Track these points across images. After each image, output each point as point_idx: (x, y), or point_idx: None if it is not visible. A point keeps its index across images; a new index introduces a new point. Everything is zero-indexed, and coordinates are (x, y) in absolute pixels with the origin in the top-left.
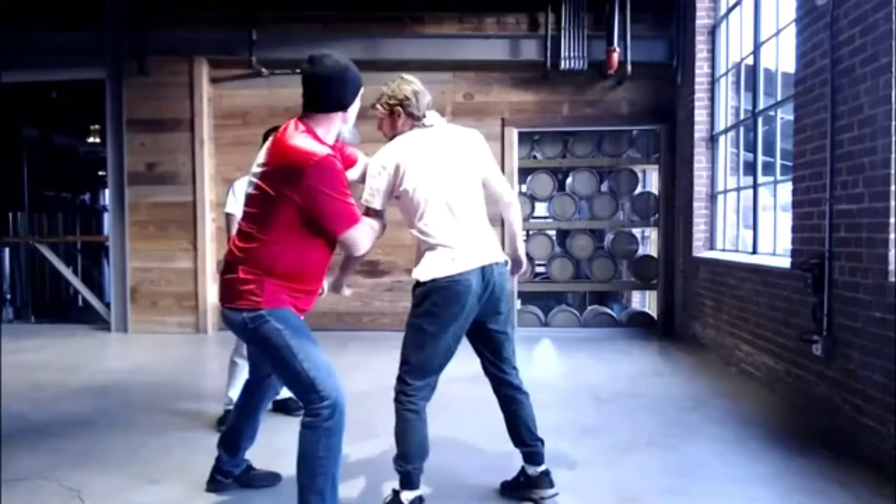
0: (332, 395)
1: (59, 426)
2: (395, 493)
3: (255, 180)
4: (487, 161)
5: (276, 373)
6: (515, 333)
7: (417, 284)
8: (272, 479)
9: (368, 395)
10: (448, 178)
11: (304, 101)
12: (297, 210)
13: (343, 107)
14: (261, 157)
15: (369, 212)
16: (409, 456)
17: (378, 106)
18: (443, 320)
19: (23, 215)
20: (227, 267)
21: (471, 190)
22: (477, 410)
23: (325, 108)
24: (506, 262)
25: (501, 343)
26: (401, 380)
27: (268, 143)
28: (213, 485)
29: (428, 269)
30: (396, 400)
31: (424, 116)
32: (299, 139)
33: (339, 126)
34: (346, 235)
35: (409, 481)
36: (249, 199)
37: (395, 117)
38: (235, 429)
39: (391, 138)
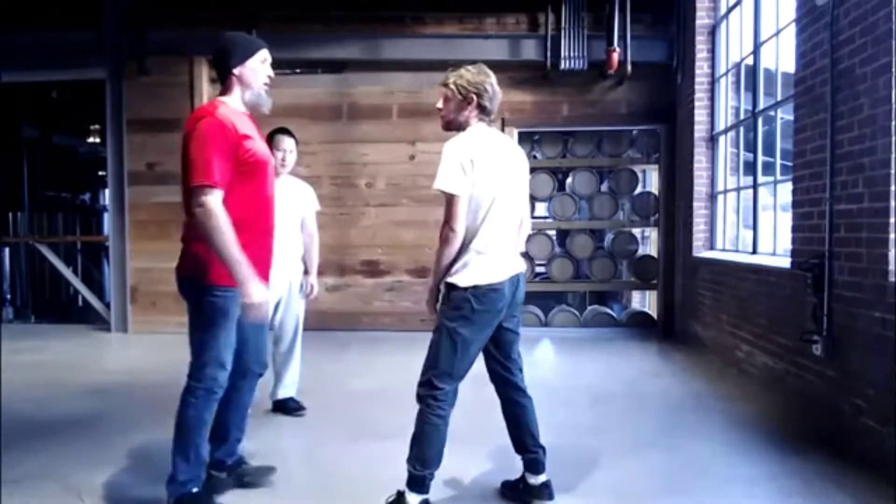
0: (218, 374)
1: (59, 426)
2: (401, 494)
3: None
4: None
5: (189, 331)
6: None
7: (454, 288)
8: (266, 472)
9: (368, 394)
10: (508, 186)
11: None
12: None
13: (229, 68)
14: None
15: (452, 200)
16: (429, 461)
17: (451, 86)
18: (479, 326)
19: (23, 215)
20: (182, 241)
21: (521, 201)
22: (479, 410)
23: (220, 74)
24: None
25: (512, 343)
26: (430, 384)
27: None
28: (210, 482)
29: (470, 275)
30: (424, 404)
31: (493, 114)
32: (199, 110)
33: (239, 90)
34: (196, 190)
35: (422, 485)
36: (182, 177)
37: (466, 104)
38: (223, 419)
39: (447, 123)
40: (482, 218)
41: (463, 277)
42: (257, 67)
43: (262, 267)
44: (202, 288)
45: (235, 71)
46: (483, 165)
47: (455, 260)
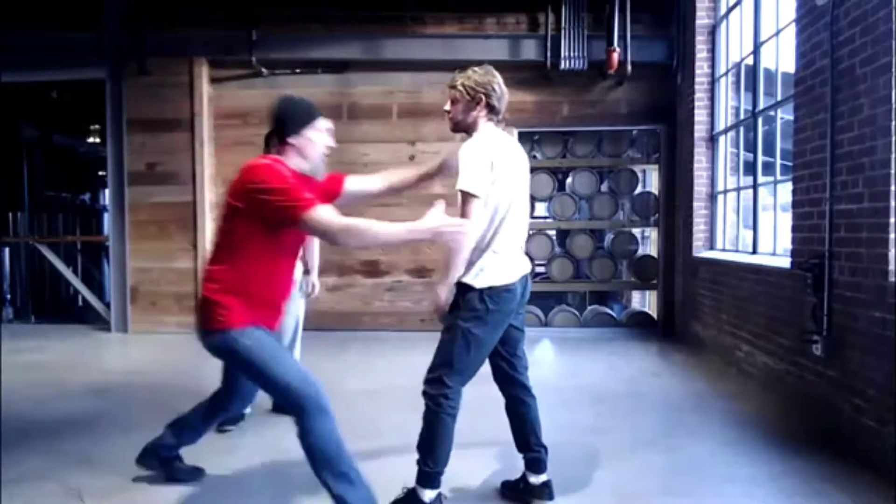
0: (307, 390)
1: (59, 426)
2: (412, 490)
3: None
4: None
5: (253, 382)
6: None
7: (469, 289)
8: (196, 473)
9: (369, 394)
10: (519, 187)
11: None
12: (250, 222)
13: (283, 136)
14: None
15: (470, 200)
16: (441, 458)
17: (459, 87)
18: (492, 326)
19: (23, 215)
20: (202, 289)
21: (527, 201)
22: (479, 410)
23: (277, 138)
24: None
25: (518, 339)
26: (441, 382)
27: None
28: (144, 460)
29: (485, 276)
30: (435, 403)
31: (500, 114)
32: (253, 161)
33: (296, 158)
34: (308, 218)
35: (435, 482)
36: (218, 228)
37: (475, 105)
38: (188, 415)
39: (455, 124)
40: (501, 219)
41: (480, 279)
42: (315, 137)
43: (278, 317)
44: (230, 336)
45: (291, 140)
46: (501, 167)
47: (471, 261)
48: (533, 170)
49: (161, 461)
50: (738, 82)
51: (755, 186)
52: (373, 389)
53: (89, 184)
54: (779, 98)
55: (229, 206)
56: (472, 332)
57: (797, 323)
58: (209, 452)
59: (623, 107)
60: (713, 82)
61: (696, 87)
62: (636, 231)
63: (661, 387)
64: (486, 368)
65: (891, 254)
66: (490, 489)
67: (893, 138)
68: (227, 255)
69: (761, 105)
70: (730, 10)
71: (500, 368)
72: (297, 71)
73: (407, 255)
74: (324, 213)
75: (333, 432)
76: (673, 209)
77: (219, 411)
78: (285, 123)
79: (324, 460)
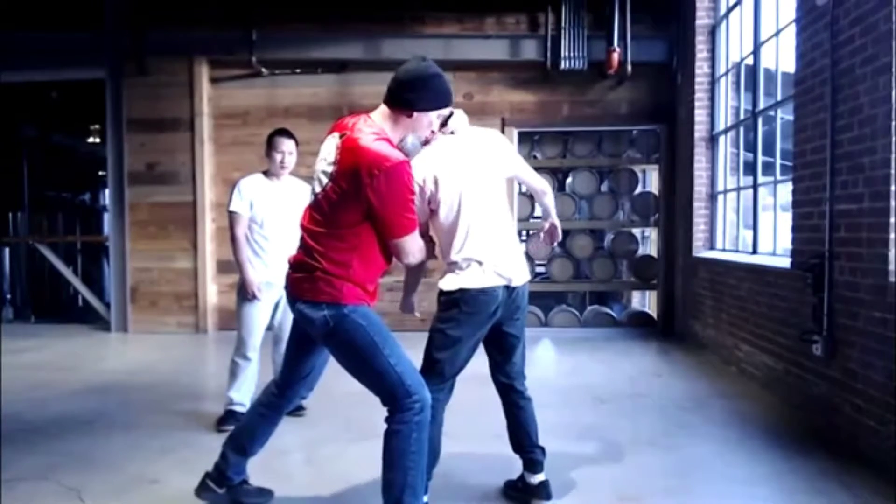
0: (420, 390)
1: (59, 426)
2: None
3: (325, 180)
4: (513, 161)
5: (356, 372)
6: None
7: (443, 293)
8: (264, 495)
9: (368, 394)
10: (480, 192)
11: (386, 94)
12: (366, 213)
13: (410, 108)
14: (329, 155)
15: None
16: (428, 461)
17: None
18: (468, 327)
19: (23, 215)
20: (304, 265)
21: (500, 202)
22: (479, 410)
23: (395, 103)
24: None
25: (513, 347)
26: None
27: (335, 142)
28: (203, 492)
29: (456, 281)
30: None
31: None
32: (376, 144)
33: (404, 129)
34: (402, 241)
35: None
36: (321, 200)
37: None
38: (249, 429)
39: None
40: (458, 231)
41: (448, 283)
42: (434, 120)
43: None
44: (341, 313)
45: (416, 114)
46: (442, 180)
47: (447, 267)
48: (533, 170)
49: (228, 488)
50: (738, 82)
51: (755, 186)
52: None
53: (89, 184)
54: (779, 98)
55: (349, 192)
56: (448, 334)
57: (797, 323)
58: (206, 452)
59: (623, 107)
60: (713, 82)
61: (696, 87)
62: (636, 231)
63: (661, 387)
64: (486, 370)
65: (891, 254)
66: (491, 488)
67: (893, 138)
68: (340, 237)
69: (761, 105)
70: (730, 10)
71: (494, 374)
72: (297, 71)
73: None
74: (415, 239)
75: (426, 438)
76: (673, 209)
77: (284, 403)
78: (426, 96)
79: (405, 464)
